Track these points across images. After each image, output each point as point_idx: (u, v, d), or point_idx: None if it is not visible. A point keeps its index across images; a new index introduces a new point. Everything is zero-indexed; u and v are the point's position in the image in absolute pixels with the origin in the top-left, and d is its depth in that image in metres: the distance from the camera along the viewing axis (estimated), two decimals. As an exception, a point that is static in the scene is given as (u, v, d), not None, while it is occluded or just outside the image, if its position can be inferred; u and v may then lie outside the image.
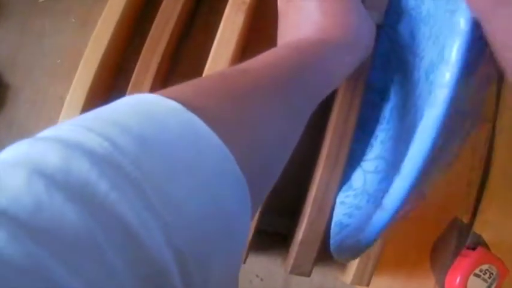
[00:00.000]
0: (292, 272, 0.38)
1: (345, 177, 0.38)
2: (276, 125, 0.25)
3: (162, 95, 0.20)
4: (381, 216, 0.31)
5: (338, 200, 0.38)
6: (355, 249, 0.34)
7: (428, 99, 0.29)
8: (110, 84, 0.40)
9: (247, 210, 0.21)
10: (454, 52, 0.27)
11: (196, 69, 0.38)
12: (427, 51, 0.37)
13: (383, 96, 0.39)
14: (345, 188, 0.39)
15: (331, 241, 0.39)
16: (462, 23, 0.27)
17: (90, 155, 0.16)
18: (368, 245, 0.33)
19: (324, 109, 0.39)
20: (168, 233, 0.17)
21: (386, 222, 0.31)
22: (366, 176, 0.38)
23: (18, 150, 0.16)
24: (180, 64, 0.41)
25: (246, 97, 0.24)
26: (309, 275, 0.39)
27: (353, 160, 0.38)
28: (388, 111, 0.38)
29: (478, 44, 0.30)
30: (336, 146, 0.37)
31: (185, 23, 0.41)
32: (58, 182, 0.15)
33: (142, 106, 0.20)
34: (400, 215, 0.32)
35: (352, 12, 0.33)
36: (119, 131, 0.18)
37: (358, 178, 0.39)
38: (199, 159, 0.19)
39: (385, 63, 0.39)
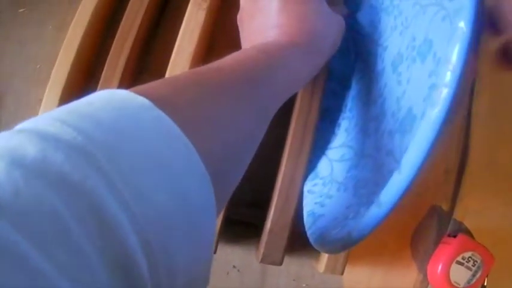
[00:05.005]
0: (263, 261, 0.39)
1: (311, 166, 0.39)
2: (242, 123, 0.26)
3: (134, 91, 0.21)
4: (377, 212, 0.31)
5: (305, 188, 0.39)
6: (346, 242, 0.34)
7: (429, 99, 0.29)
8: (82, 86, 0.42)
9: (211, 206, 0.22)
10: (455, 53, 0.27)
11: (164, 67, 0.39)
12: (391, 42, 0.37)
13: (343, 85, 0.39)
14: (311, 176, 0.39)
15: (309, 232, 0.39)
16: (463, 25, 0.27)
17: (65, 147, 0.17)
18: (360, 238, 0.33)
19: (289, 100, 0.40)
20: (136, 222, 0.18)
21: (382, 218, 0.31)
22: (333, 164, 0.39)
23: None
24: (149, 62, 0.43)
25: (216, 96, 0.25)
26: (280, 264, 0.39)
27: (317, 149, 0.39)
28: (349, 99, 0.39)
29: (476, 44, 0.30)
30: (299, 134, 0.38)
31: (152, 22, 0.43)
32: (35, 171, 0.16)
33: (116, 102, 0.21)
34: (394, 209, 0.32)
35: (317, 15, 0.33)
36: (93, 125, 0.19)
37: (324, 167, 0.39)
38: (166, 155, 0.20)
39: (344, 52, 0.39)
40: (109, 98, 0.21)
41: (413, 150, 0.28)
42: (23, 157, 0.16)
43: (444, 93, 0.27)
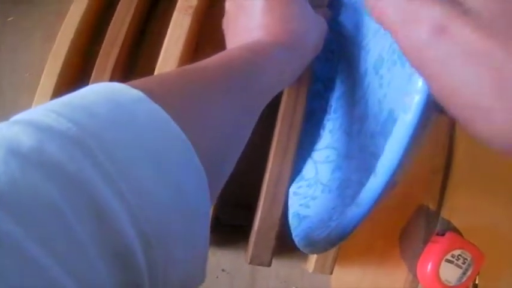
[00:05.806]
0: (252, 262, 0.39)
1: (296, 169, 0.39)
2: (230, 120, 0.27)
3: (127, 85, 0.21)
4: (356, 212, 0.31)
5: (291, 190, 0.39)
6: (328, 242, 0.35)
7: (404, 104, 0.30)
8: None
9: (206, 199, 0.22)
10: None
11: (151, 72, 0.40)
12: (373, 44, 0.38)
13: (328, 86, 0.40)
14: (297, 179, 0.40)
15: (294, 234, 0.40)
16: None
17: (60, 138, 0.17)
18: (342, 237, 0.34)
19: (275, 101, 0.41)
20: (133, 214, 0.18)
21: (361, 218, 0.31)
22: (318, 166, 0.39)
23: None
24: (136, 67, 0.43)
25: (204, 93, 0.25)
26: (269, 265, 0.39)
27: (303, 151, 0.39)
28: (334, 100, 0.39)
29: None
30: (285, 135, 0.38)
31: (138, 28, 0.43)
32: (32, 161, 0.16)
33: (110, 94, 0.21)
34: (374, 208, 0.33)
35: (300, 17, 0.34)
36: (87, 116, 0.19)
37: (309, 169, 0.40)
38: (163, 148, 0.20)
39: (328, 54, 0.40)
40: (103, 91, 0.21)
41: (387, 154, 0.29)
42: (19, 147, 0.16)
43: (416, 100, 0.27)
